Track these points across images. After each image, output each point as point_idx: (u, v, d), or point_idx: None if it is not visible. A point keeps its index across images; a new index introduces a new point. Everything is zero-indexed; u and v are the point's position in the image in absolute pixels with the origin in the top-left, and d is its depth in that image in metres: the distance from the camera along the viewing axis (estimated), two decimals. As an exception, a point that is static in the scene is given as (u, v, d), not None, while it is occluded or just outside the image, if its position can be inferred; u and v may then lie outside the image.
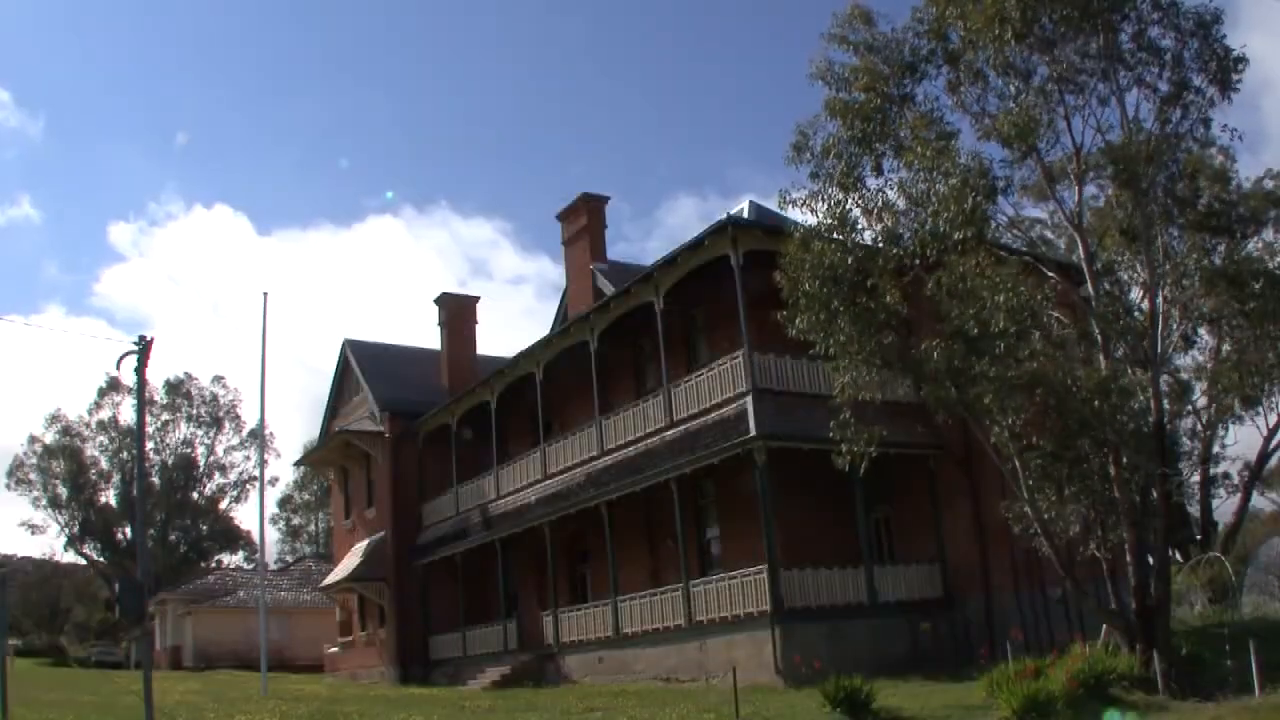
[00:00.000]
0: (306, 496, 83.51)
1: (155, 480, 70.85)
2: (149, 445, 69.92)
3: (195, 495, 74.46)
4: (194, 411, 74.05)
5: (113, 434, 71.52)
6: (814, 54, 17.61)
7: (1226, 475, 34.64)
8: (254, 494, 72.82)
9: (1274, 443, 33.29)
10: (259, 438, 51.48)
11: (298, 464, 62.83)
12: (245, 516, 77.26)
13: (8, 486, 70.73)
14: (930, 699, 16.11)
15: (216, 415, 74.47)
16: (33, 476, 70.67)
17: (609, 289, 28.21)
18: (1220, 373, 28.70)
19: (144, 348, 17.68)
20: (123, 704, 21.50)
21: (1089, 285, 16.10)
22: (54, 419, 71.57)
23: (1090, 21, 14.95)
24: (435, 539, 34.38)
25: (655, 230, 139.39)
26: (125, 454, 70.25)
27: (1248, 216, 20.44)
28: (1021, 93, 15.57)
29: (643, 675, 23.56)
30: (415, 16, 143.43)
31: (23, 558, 72.56)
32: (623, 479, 24.67)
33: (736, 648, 20.83)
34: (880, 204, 16.73)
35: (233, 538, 76.78)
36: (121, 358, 17.84)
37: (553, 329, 31.55)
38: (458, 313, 39.44)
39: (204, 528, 75.31)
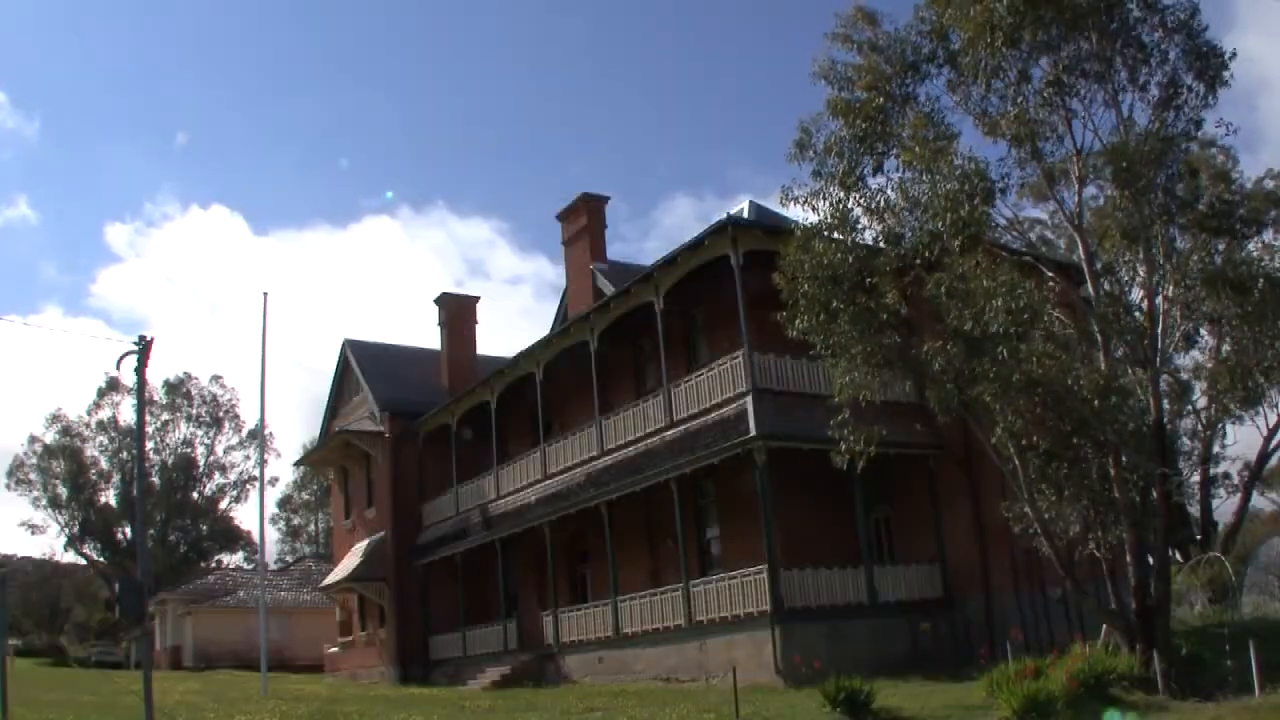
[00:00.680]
0: (306, 496, 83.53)
1: (155, 480, 70.85)
2: (149, 445, 69.95)
3: (195, 495, 74.48)
4: (194, 411, 74.08)
5: (113, 434, 71.55)
6: (817, 53, 17.64)
7: (1226, 475, 34.65)
8: (254, 494, 72.95)
9: (1274, 443, 33.29)
10: (259, 438, 51.50)
11: (298, 464, 62.90)
12: (245, 516, 77.37)
13: (8, 486, 70.85)
14: (930, 699, 16.11)
15: (216, 415, 74.50)
16: (33, 476, 70.71)
17: (609, 289, 28.21)
18: (1220, 373, 28.72)
19: (144, 348, 17.69)
20: (123, 704, 21.50)
21: (1089, 285, 16.10)
22: (54, 419, 71.65)
23: (1081, 24, 14.98)
24: (435, 539, 34.37)
25: (652, 230, 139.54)
26: (125, 454, 70.25)
27: (1248, 217, 20.44)
28: (1020, 95, 15.59)
29: (643, 675, 23.57)
30: (412, 17, 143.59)
31: (23, 558, 72.59)
32: (623, 479, 24.67)
33: (736, 648, 20.83)
34: (881, 204, 16.75)
35: (233, 538, 76.80)
36: (121, 358, 17.86)
37: (553, 329, 31.56)
38: (458, 313, 39.44)
39: (204, 528, 75.32)
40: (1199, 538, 32.98)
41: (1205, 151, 25.91)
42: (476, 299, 40.66)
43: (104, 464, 72.09)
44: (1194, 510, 34.36)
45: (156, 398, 71.51)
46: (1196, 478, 33.72)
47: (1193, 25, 15.38)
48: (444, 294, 40.05)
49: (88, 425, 71.85)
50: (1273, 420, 33.27)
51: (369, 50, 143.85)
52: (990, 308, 14.31)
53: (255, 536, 62.44)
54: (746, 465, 21.14)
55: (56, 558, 72.00)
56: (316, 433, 45.48)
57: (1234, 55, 15.39)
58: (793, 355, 21.58)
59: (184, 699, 24.98)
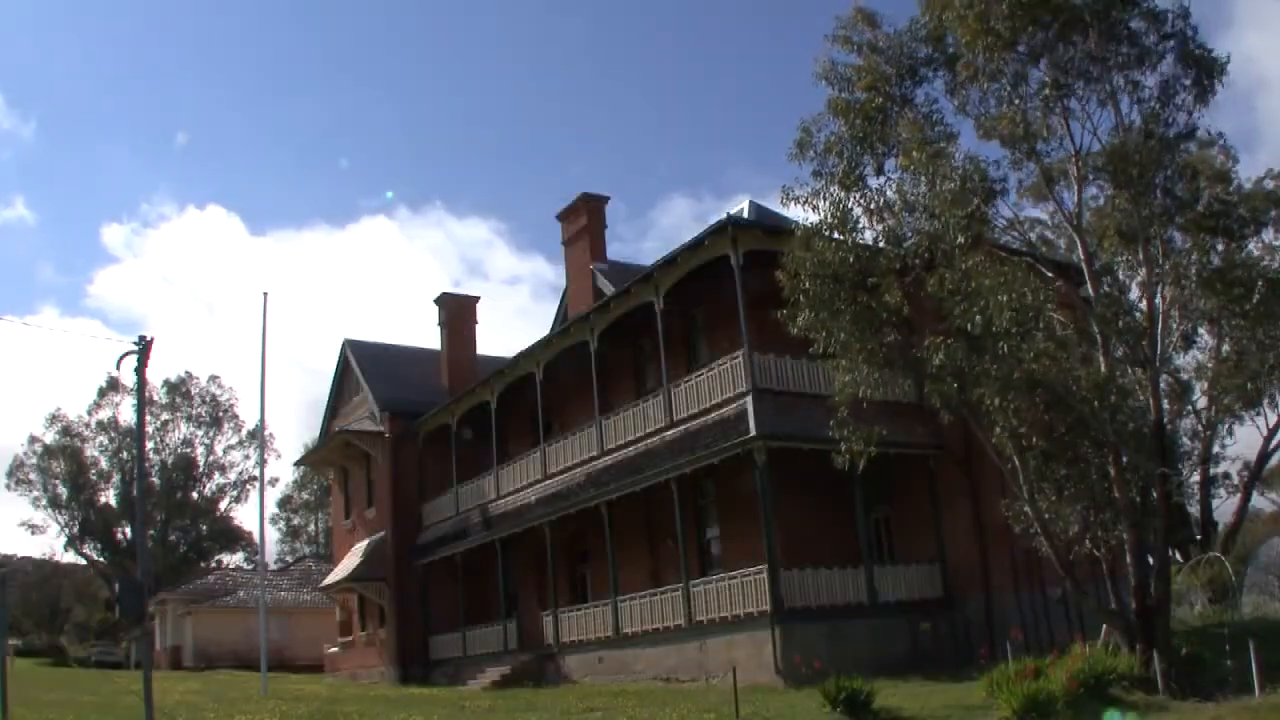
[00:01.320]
0: (306, 496, 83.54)
1: (155, 480, 70.87)
2: (149, 445, 69.96)
3: (195, 495, 74.51)
4: (194, 411, 74.11)
5: (113, 434, 71.56)
6: (818, 54, 17.67)
7: (1226, 475, 34.66)
8: (254, 494, 72.98)
9: (1274, 443, 33.29)
10: (259, 438, 51.54)
11: (298, 464, 62.89)
12: (245, 516, 77.39)
13: (8, 486, 70.88)
14: (930, 699, 16.12)
15: (216, 415, 74.53)
16: (33, 476, 70.74)
17: (609, 289, 28.21)
18: (1220, 373, 28.75)
19: (144, 348, 17.70)
20: (123, 704, 21.50)
21: (1089, 286, 16.12)
22: (54, 419, 71.67)
23: (1077, 27, 15.02)
24: (435, 539, 34.38)
25: (650, 231, 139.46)
26: (125, 454, 70.27)
27: (1248, 217, 20.47)
28: (1018, 97, 15.62)
29: (643, 675, 23.57)
30: (411, 16, 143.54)
31: (23, 558, 72.61)
32: (623, 479, 24.67)
33: (736, 648, 20.83)
34: (881, 204, 16.78)
35: (233, 538, 76.81)
36: (121, 358, 17.87)
37: (553, 329, 31.56)
38: (457, 313, 39.44)
39: (204, 528, 75.34)
40: (1199, 538, 32.99)
41: (1204, 151, 25.91)
42: (476, 299, 40.69)
43: (104, 464, 72.16)
44: (1194, 510, 34.38)
45: (157, 398, 71.58)
46: (1196, 478, 33.73)
47: (1187, 28, 15.44)
48: (444, 294, 40.05)
49: (88, 425, 71.92)
50: (1273, 420, 33.31)
51: (367, 50, 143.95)
52: (994, 304, 14.32)
53: (255, 536, 62.57)
54: (746, 465, 21.14)
55: (56, 558, 72.09)
56: (316, 433, 45.52)
57: (1228, 60, 15.45)
58: (793, 355, 21.58)
59: (184, 699, 24.98)
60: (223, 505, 75.51)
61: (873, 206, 16.71)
